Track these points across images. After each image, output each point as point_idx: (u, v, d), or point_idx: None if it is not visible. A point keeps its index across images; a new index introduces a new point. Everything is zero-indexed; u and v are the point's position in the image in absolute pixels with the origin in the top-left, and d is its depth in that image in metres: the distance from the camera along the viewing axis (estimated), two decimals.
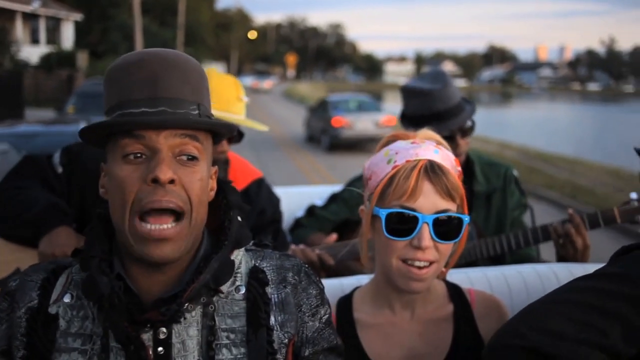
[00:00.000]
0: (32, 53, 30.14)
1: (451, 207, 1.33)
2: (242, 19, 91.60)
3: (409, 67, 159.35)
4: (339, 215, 2.44)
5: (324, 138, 18.14)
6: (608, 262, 1.28)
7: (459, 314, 1.45)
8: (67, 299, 1.12)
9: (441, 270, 1.45)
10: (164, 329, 1.07)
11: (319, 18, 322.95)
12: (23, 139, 7.28)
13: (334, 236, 2.10)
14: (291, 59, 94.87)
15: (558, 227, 2.05)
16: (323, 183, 12.07)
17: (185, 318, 1.08)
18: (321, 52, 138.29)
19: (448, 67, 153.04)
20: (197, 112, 1.08)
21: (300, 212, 2.56)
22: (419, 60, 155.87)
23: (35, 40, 33.78)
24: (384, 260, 1.37)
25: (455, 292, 1.49)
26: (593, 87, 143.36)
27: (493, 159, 2.57)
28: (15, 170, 2.02)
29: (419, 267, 1.32)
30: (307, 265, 1.22)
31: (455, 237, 1.34)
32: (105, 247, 1.12)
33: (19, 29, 31.43)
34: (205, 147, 1.10)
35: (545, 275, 1.78)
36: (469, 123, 2.35)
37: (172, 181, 1.04)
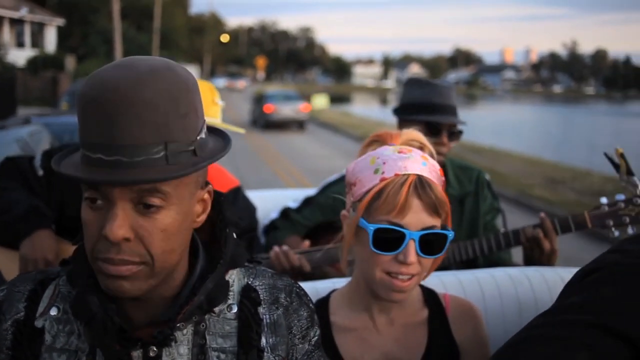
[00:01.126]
0: (18, 56, 32.26)
1: (437, 222, 1.35)
2: (215, 23, 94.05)
3: (376, 70, 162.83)
4: (313, 219, 2.44)
5: (260, 120, 26.03)
6: (567, 287, 1.26)
7: (433, 318, 1.48)
8: (53, 312, 1.09)
9: None
10: (154, 348, 1.05)
11: (289, 21, 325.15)
12: (64, 126, 8.48)
13: (307, 242, 2.16)
14: (261, 61, 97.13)
15: (528, 230, 2.08)
16: (259, 147, 18.61)
17: (175, 340, 1.06)
18: (291, 55, 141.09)
19: (414, 69, 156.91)
20: (162, 153, 0.96)
21: (274, 214, 2.54)
22: (387, 62, 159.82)
23: (20, 44, 35.83)
24: (366, 270, 1.38)
25: (430, 297, 1.51)
26: (555, 88, 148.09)
27: (465, 162, 2.59)
28: None
29: (402, 280, 1.35)
30: (298, 286, 1.20)
31: (439, 252, 1.37)
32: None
33: (6, 34, 33.51)
34: (181, 188, 1.01)
35: (518, 279, 1.80)
36: (458, 128, 2.39)
37: (126, 239, 0.97)
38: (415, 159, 1.36)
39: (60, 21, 38.51)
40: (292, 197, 2.70)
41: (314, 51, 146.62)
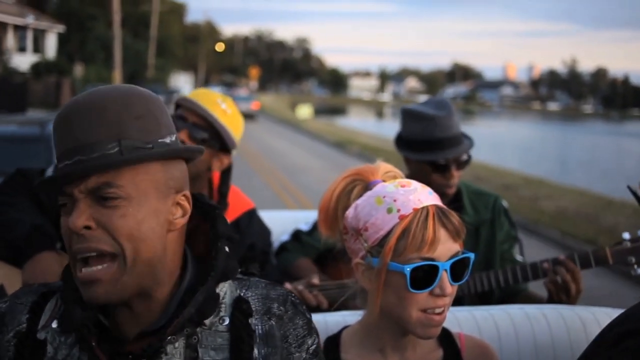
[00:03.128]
0: (20, 61, 35.14)
1: (460, 247, 1.37)
2: (210, 32, 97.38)
3: (373, 82, 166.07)
4: (324, 243, 2.27)
5: None
6: (596, 346, 1.20)
7: (448, 359, 1.48)
8: (54, 324, 1.14)
9: None
10: None
11: (286, 31, 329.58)
12: None
13: (315, 280, 2.11)
14: (254, 71, 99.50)
15: (551, 272, 2.05)
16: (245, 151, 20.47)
17: (167, 353, 1.10)
18: (287, 65, 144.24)
19: (412, 83, 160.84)
20: (116, 149, 1.06)
21: (284, 237, 2.54)
22: (383, 75, 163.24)
23: (22, 49, 38.71)
24: (400, 313, 1.37)
25: (444, 336, 1.50)
26: (553, 106, 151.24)
27: (481, 188, 2.57)
28: (5, 184, 2.02)
29: (439, 314, 1.36)
30: (294, 295, 1.22)
31: (466, 276, 1.39)
32: None
33: (10, 39, 36.45)
34: (139, 182, 1.08)
35: (535, 317, 1.79)
36: (465, 156, 2.37)
37: (87, 227, 1.05)
38: (422, 190, 1.39)
39: (60, 28, 41.44)
40: (304, 219, 2.69)
41: (311, 62, 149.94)
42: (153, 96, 1.14)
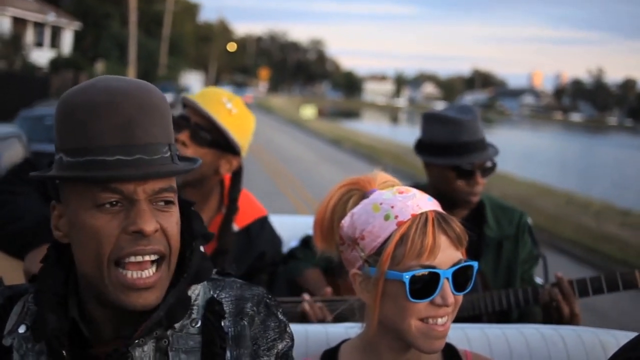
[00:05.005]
0: (38, 56, 38.73)
1: (462, 255, 1.37)
2: (223, 31, 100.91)
3: (388, 87, 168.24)
4: (319, 258, 2.23)
5: None
6: None
7: None
8: (22, 329, 1.13)
9: None
10: None
11: (300, 32, 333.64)
12: None
13: (329, 289, 2.15)
14: (264, 73, 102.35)
15: (545, 292, 2.06)
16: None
17: (134, 357, 1.11)
18: (300, 67, 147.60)
19: (428, 89, 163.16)
20: (169, 154, 1.11)
21: (294, 242, 2.53)
22: (400, 80, 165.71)
23: (39, 44, 42.32)
24: (398, 324, 1.35)
25: (449, 353, 1.49)
26: (576, 117, 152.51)
27: (506, 202, 2.57)
28: (13, 172, 2.04)
29: (441, 324, 1.35)
30: (270, 296, 1.23)
31: (469, 286, 1.38)
32: (59, 280, 1.15)
33: (30, 35, 40.11)
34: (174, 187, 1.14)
35: (551, 338, 1.75)
36: (489, 163, 2.36)
37: (156, 230, 1.09)
38: (421, 197, 1.39)
39: (77, 25, 45.07)
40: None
41: (325, 64, 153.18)
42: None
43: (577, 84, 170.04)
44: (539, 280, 2.53)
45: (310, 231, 2.22)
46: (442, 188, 2.37)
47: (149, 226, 1.08)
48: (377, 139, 31.59)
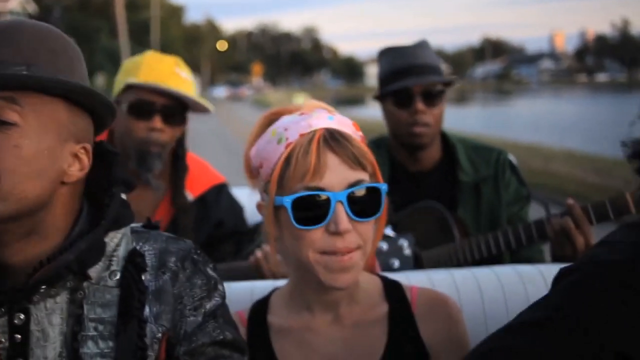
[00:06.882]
0: None
1: (363, 177, 1.31)
2: (211, 30, 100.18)
3: None
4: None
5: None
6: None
7: (395, 315, 1.42)
8: None
9: (370, 261, 1.45)
10: (21, 315, 1.09)
11: (292, 22, 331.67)
12: None
13: None
14: (257, 68, 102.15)
15: (554, 221, 1.94)
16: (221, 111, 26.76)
17: (46, 308, 1.10)
18: (296, 58, 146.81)
19: None
20: (24, 72, 1.08)
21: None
22: None
23: None
24: (298, 256, 1.33)
25: (392, 290, 1.46)
26: (602, 77, 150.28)
27: (481, 142, 2.47)
28: None
29: (342, 254, 1.29)
30: (198, 252, 1.22)
31: (377, 212, 1.33)
32: None
33: None
34: (41, 112, 1.09)
35: (529, 276, 1.69)
36: (438, 87, 2.25)
37: None
38: (319, 115, 1.34)
39: (72, 41, 45.61)
40: None
41: (322, 52, 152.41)
42: (74, 44, 1.18)
43: (600, 40, 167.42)
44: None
45: None
46: (394, 129, 2.32)
47: None
48: (368, 120, 30.72)
